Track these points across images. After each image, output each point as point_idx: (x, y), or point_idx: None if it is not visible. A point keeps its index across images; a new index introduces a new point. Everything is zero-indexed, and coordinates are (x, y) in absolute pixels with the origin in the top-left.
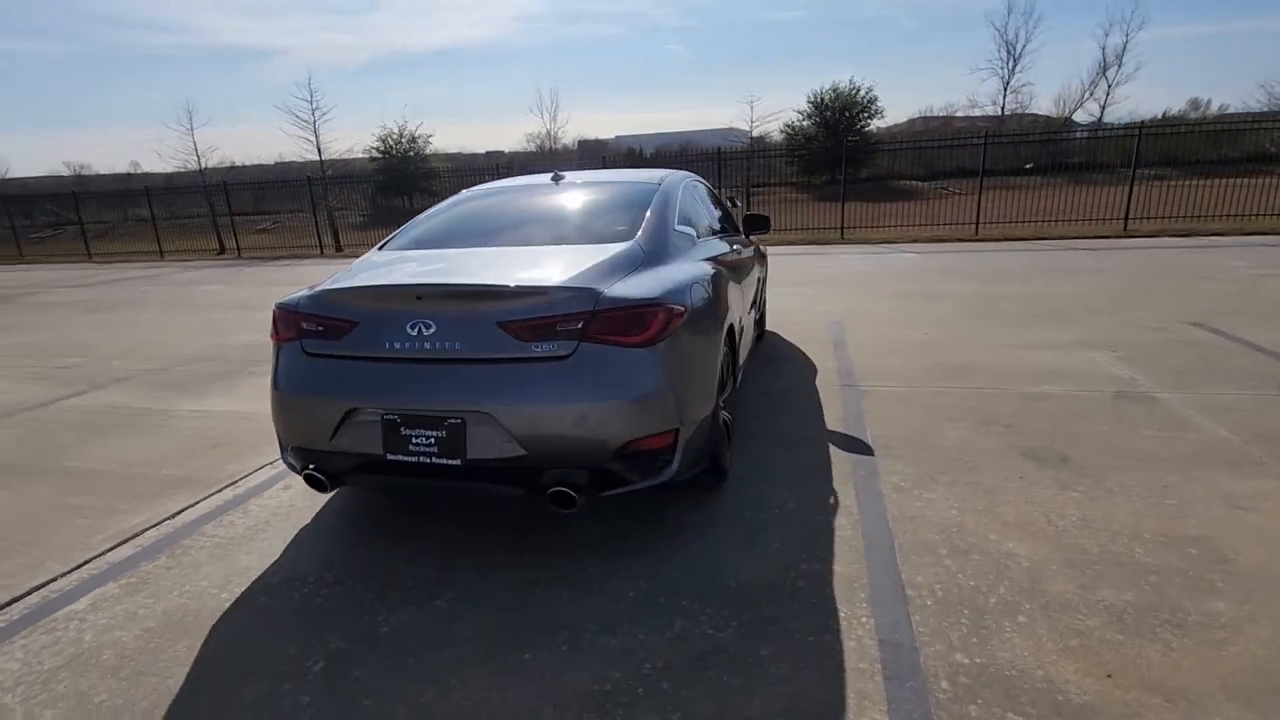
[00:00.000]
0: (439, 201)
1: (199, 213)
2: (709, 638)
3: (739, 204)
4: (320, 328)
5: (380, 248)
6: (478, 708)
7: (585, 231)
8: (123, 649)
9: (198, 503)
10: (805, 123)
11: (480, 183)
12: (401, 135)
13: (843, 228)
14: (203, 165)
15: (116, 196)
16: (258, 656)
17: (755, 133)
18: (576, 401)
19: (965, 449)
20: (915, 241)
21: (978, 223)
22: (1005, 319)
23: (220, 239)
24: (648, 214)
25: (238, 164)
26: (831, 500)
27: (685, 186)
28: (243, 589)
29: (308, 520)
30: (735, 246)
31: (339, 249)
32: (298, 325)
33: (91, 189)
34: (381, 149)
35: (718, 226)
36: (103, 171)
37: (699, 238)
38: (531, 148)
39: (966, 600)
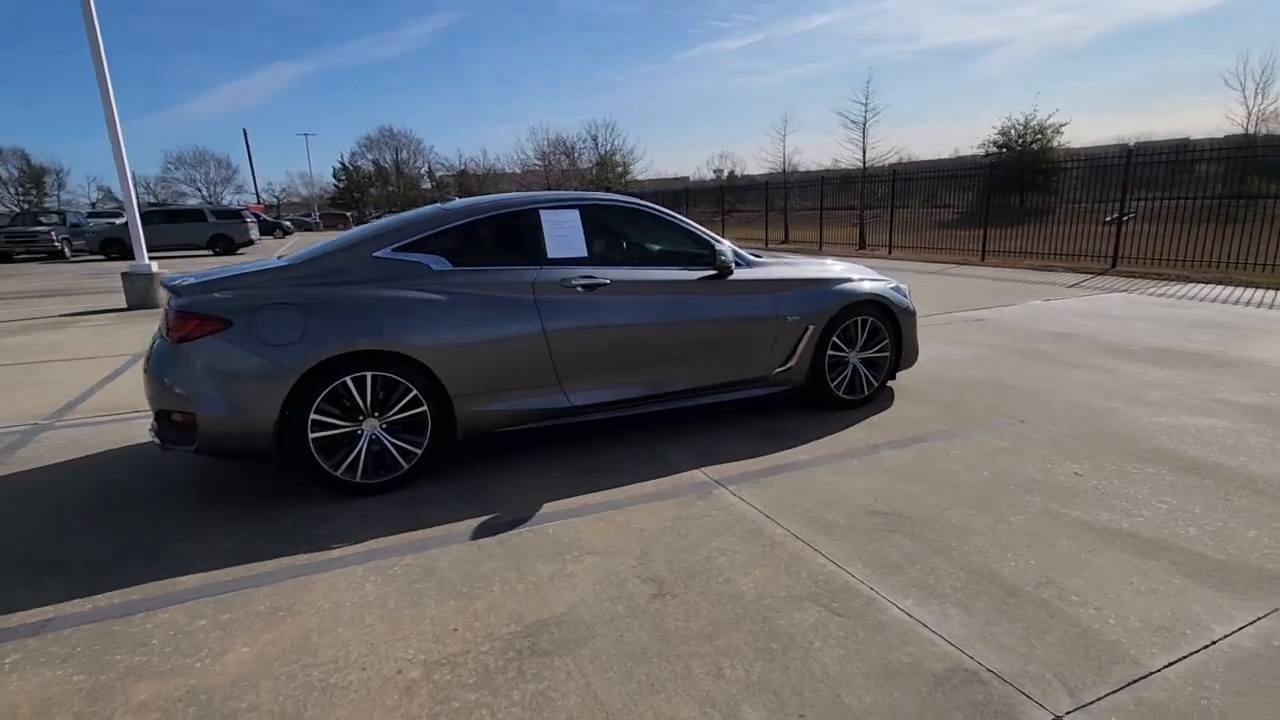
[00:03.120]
0: (1054, 199)
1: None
2: None
3: None
4: None
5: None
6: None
7: (318, 250)
8: (56, 445)
9: None
10: None
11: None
12: (1027, 126)
13: None
14: (785, 168)
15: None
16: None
17: None
18: (148, 371)
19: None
20: None
21: None
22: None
23: (786, 230)
24: (353, 239)
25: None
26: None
27: (515, 213)
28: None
29: None
30: (601, 280)
31: (861, 246)
32: None
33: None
34: (1001, 141)
35: (587, 254)
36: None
37: (518, 265)
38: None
39: None
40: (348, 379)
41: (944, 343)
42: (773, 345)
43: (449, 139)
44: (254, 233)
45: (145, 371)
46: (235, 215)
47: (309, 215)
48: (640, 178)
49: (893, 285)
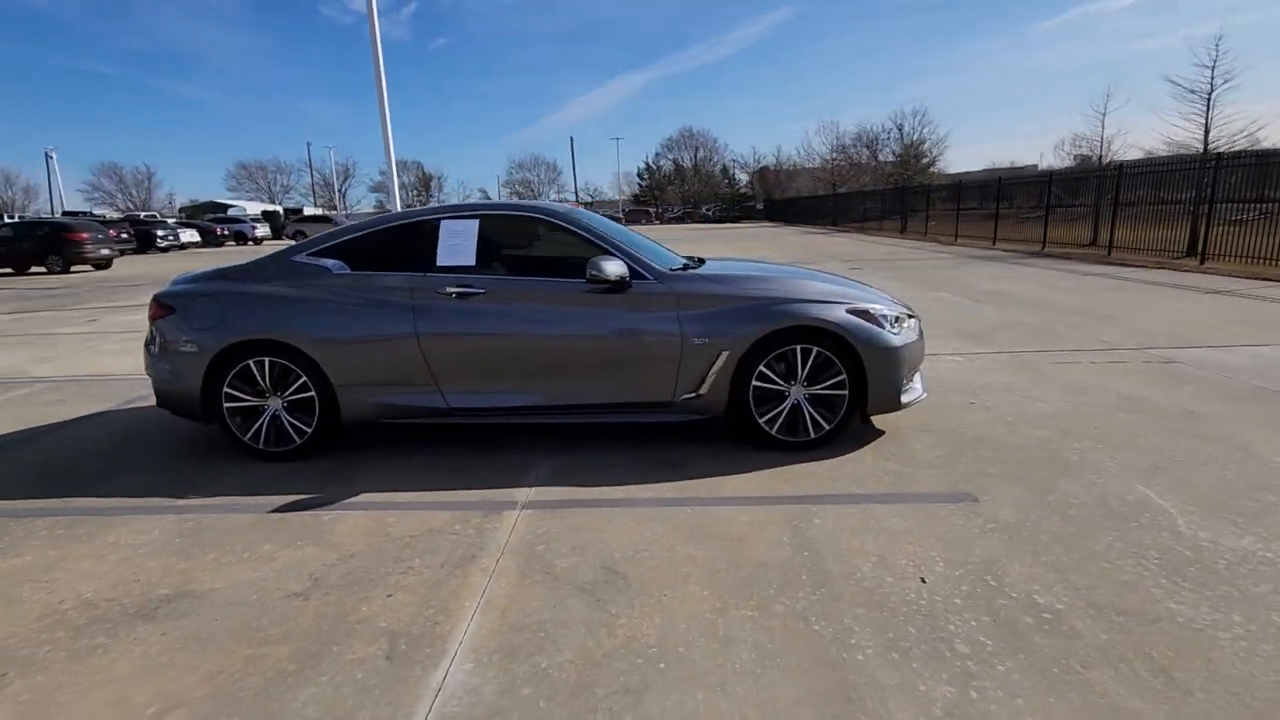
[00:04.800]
0: None
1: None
2: None
3: None
4: None
5: None
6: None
7: (267, 254)
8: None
9: None
10: None
11: None
12: None
13: None
14: (1102, 154)
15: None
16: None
17: None
18: (145, 345)
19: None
20: None
21: None
22: None
23: (1094, 230)
24: (290, 246)
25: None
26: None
27: (417, 223)
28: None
29: None
30: (476, 289)
31: (1191, 252)
32: None
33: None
34: None
35: (474, 262)
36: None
37: (416, 272)
38: None
39: None
40: (250, 362)
41: (1062, 388)
42: (678, 368)
43: (760, 135)
44: None
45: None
46: None
47: (616, 211)
48: (955, 168)
49: (853, 308)
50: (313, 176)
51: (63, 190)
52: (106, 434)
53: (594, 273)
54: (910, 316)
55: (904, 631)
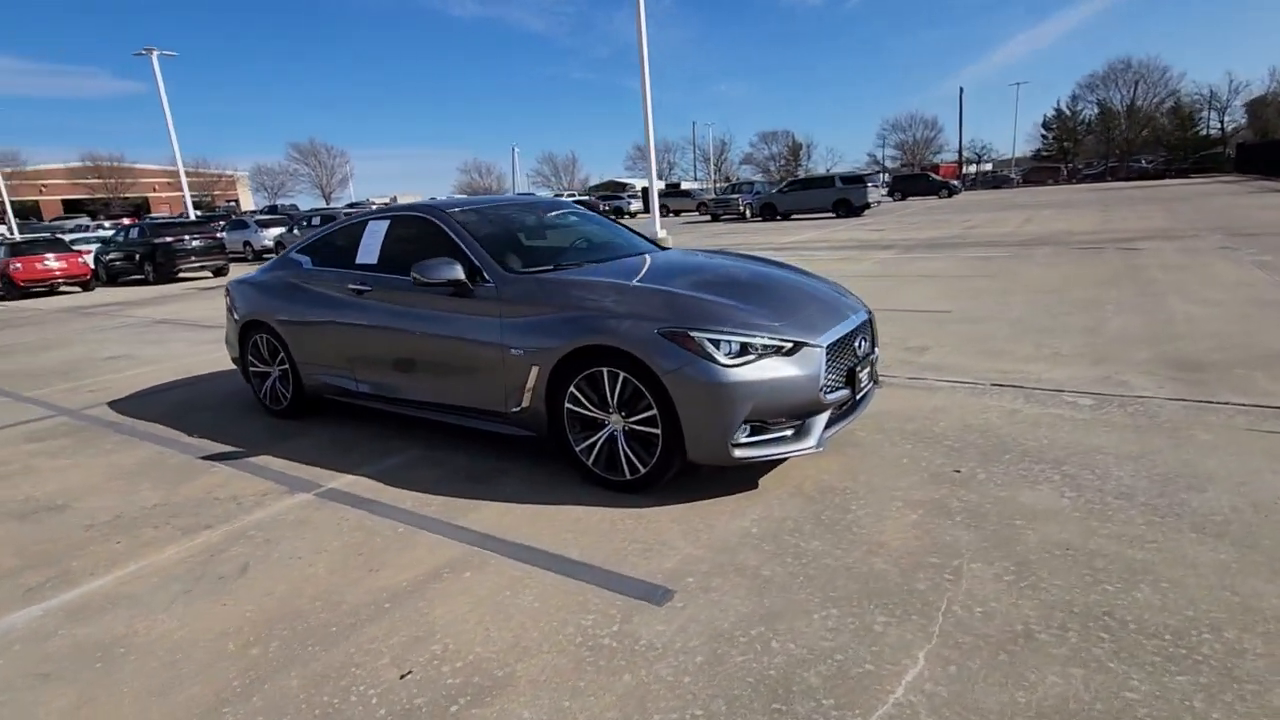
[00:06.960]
0: None
1: None
2: None
3: None
4: None
5: None
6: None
7: None
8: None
9: None
10: None
11: None
12: None
13: None
14: None
15: None
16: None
17: None
18: None
19: None
20: None
21: None
22: None
23: None
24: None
25: None
26: None
27: (355, 224)
28: None
29: None
30: (364, 286)
31: None
32: None
33: None
34: None
35: (376, 261)
36: None
37: (350, 269)
38: None
39: None
40: (257, 337)
41: (1166, 477)
42: (505, 379)
43: (1242, 57)
44: (872, 196)
45: None
46: (859, 181)
47: (1011, 172)
48: None
49: (669, 329)
50: (694, 152)
51: (521, 176)
52: (222, 390)
53: (415, 274)
54: (798, 345)
55: None
